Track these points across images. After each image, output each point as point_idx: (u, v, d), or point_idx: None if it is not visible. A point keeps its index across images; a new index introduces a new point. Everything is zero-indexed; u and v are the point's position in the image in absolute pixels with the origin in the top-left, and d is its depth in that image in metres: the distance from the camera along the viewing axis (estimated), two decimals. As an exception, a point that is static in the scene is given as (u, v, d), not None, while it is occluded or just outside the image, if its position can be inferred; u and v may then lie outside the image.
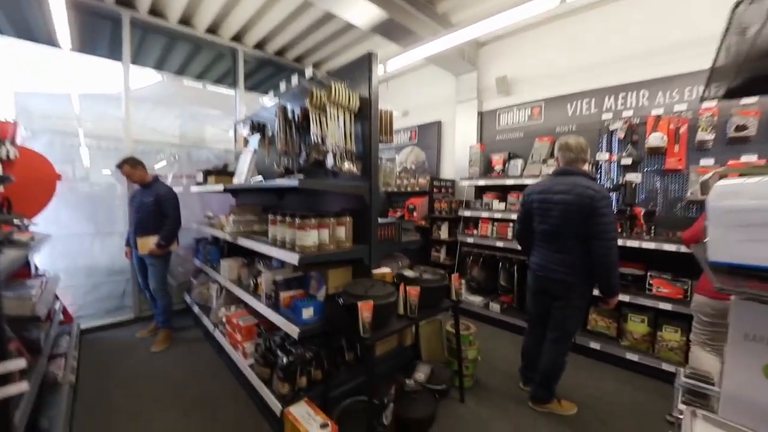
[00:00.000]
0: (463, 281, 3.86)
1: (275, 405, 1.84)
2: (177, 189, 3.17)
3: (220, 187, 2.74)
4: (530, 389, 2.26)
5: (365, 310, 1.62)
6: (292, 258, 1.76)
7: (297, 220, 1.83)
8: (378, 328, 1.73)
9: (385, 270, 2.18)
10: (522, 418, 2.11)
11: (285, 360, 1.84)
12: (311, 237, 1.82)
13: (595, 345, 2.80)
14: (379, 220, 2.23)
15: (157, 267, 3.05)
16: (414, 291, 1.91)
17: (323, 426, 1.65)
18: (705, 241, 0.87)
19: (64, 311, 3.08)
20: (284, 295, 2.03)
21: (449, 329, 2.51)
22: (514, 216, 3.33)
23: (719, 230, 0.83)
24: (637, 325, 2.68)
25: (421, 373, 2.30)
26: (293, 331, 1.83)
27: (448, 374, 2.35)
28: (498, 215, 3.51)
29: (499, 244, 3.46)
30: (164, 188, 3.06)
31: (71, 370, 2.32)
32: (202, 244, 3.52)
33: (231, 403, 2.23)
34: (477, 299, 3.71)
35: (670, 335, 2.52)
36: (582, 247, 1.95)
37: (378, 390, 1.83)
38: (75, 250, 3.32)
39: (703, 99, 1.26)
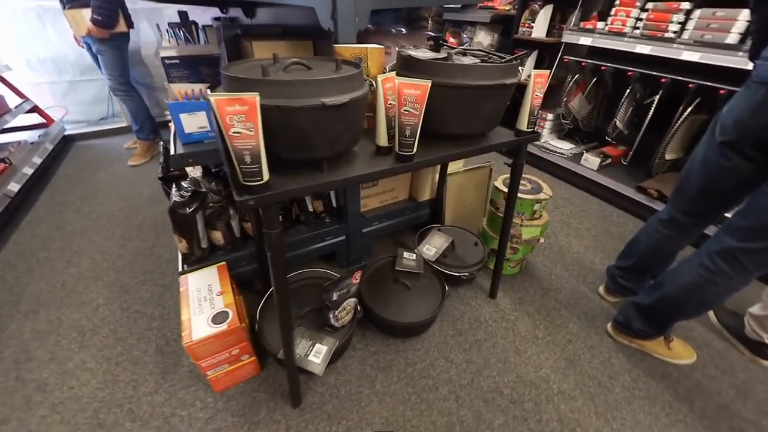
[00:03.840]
0: (549, 117, 2.46)
1: (178, 265, 1.19)
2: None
3: None
4: (618, 304, 1.29)
5: (234, 119, 0.58)
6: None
7: None
8: (293, 169, 0.74)
9: (372, 46, 0.98)
10: (584, 348, 1.22)
11: (174, 200, 1.06)
12: None
13: None
14: None
15: (106, 56, 2.23)
16: (411, 90, 0.75)
17: (218, 319, 0.96)
18: None
19: (41, 112, 2.65)
20: (175, 89, 1.07)
21: (499, 186, 1.42)
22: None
23: None
24: None
25: (432, 247, 1.43)
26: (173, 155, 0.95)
27: (478, 254, 1.45)
28: (665, -21, 1.70)
29: (643, 49, 1.81)
30: None
31: (18, 179, 1.96)
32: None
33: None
34: (566, 146, 2.39)
35: None
36: None
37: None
38: (27, 36, 2.58)
39: None
